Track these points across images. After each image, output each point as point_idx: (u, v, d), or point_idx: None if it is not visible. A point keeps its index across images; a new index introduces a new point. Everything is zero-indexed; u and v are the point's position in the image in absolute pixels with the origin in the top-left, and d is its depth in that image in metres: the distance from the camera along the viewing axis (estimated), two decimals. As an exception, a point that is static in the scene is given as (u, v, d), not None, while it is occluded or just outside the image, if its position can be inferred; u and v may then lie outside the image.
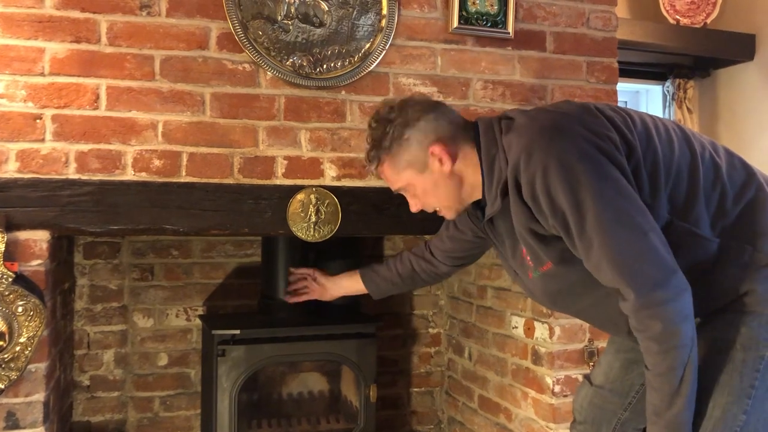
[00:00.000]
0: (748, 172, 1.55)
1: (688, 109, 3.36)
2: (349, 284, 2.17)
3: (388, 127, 1.53)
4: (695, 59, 3.36)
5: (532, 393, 2.40)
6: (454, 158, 1.53)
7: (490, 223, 1.64)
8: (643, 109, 3.66)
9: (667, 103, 3.41)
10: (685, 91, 3.36)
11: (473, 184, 1.58)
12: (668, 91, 3.40)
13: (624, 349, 1.77)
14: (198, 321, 2.72)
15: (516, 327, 2.51)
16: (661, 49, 3.17)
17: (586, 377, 1.87)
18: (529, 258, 1.56)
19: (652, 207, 1.42)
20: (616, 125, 1.45)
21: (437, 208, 1.65)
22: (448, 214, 1.66)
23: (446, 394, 3.08)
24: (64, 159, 1.89)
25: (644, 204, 1.39)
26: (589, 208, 1.34)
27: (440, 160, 1.53)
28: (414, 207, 1.66)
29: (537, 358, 2.37)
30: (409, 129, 1.53)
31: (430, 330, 3.09)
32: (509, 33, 2.27)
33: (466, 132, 1.56)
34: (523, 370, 2.45)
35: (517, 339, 2.50)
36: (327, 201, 2.09)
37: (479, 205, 1.65)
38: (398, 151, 1.54)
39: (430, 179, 1.55)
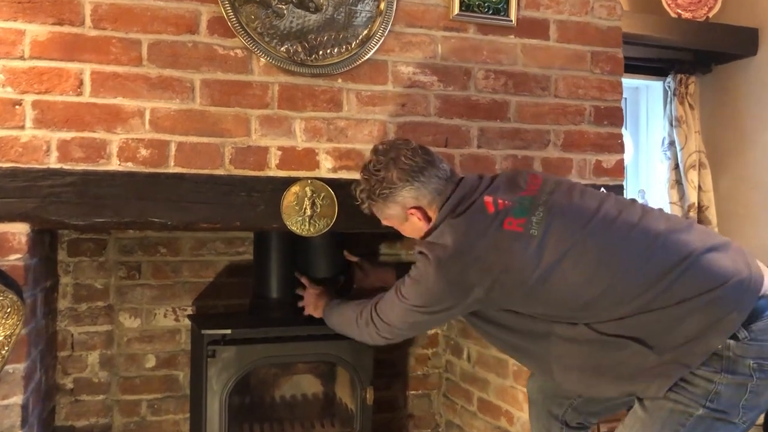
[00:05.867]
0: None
1: (689, 105, 3.29)
2: (389, 278, 2.32)
3: (376, 186, 1.75)
4: (696, 54, 3.30)
5: None
6: (429, 221, 1.76)
7: None
8: (643, 106, 3.60)
9: (668, 99, 3.34)
10: (686, 87, 3.29)
11: None
12: (669, 87, 3.33)
13: None
14: (187, 321, 2.62)
15: (518, 327, 2.42)
16: (662, 42, 3.10)
17: None
18: None
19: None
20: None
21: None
22: None
23: (444, 397, 2.99)
24: (45, 147, 1.80)
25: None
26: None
27: (418, 218, 1.77)
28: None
29: (540, 359, 2.28)
30: (393, 195, 1.74)
31: (428, 331, 3.00)
32: (512, 21, 2.20)
33: (441, 196, 1.75)
34: (525, 371, 2.36)
35: (519, 339, 2.41)
36: (323, 194, 2.01)
37: None
38: (383, 207, 1.79)
39: (409, 227, 1.82)
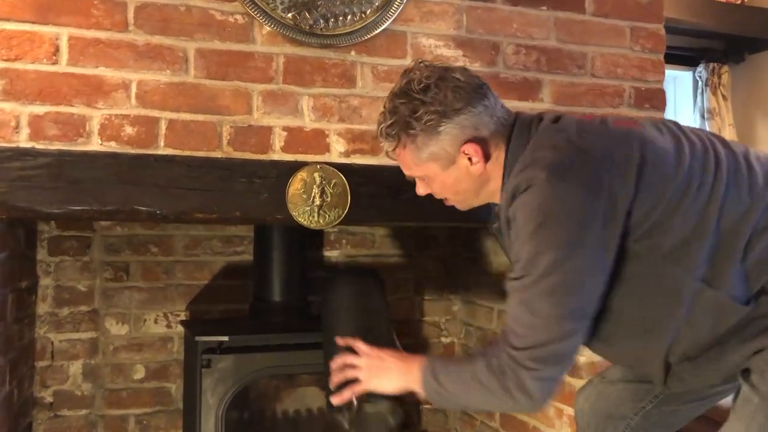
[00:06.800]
0: None
1: (722, 95, 3.09)
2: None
3: (421, 110, 1.28)
4: (728, 43, 3.11)
5: (568, 410, 2.10)
6: (487, 159, 1.32)
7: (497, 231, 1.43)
8: (670, 98, 3.37)
9: (699, 90, 3.13)
10: (719, 77, 3.09)
11: (497, 188, 1.37)
12: (701, 77, 3.13)
13: None
14: (180, 328, 2.42)
15: (548, 333, 2.19)
16: (694, 26, 2.90)
17: (599, 374, 1.70)
18: None
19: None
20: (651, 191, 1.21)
21: (448, 198, 1.44)
22: (459, 207, 1.47)
23: (462, 412, 2.76)
24: (14, 123, 1.58)
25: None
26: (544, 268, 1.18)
27: (471, 159, 1.32)
28: (421, 191, 1.45)
29: (575, 369, 2.06)
30: (446, 121, 1.28)
31: (443, 339, 2.81)
32: (544, -10, 1.99)
33: (505, 128, 1.34)
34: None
35: (549, 347, 2.18)
36: (334, 181, 1.78)
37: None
38: (426, 141, 1.30)
39: (453, 175, 1.35)
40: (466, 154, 1.31)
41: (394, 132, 1.32)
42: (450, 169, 1.33)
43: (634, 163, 1.20)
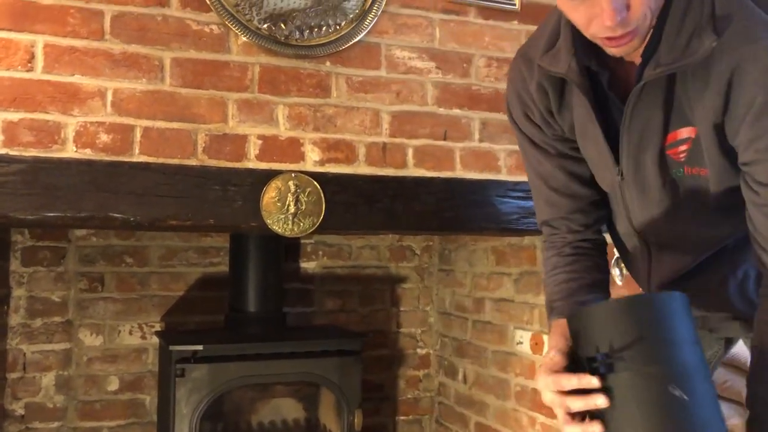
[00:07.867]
0: None
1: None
2: None
3: None
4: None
5: (540, 418, 2.11)
6: None
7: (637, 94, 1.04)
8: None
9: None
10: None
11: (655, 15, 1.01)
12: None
13: None
14: (154, 339, 2.40)
15: (521, 342, 2.22)
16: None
17: None
18: (685, 152, 1.07)
19: None
20: None
21: (638, 25, 0.97)
22: (637, 39, 0.99)
23: (437, 423, 2.77)
24: (-11, 129, 1.57)
25: None
26: None
27: None
28: (614, 15, 0.93)
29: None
30: None
31: (419, 350, 2.81)
32: (515, 5, 2.03)
33: None
34: (530, 391, 2.16)
35: (522, 356, 2.21)
36: (308, 189, 1.79)
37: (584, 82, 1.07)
38: None
39: None
40: None
41: None
42: None
43: None
